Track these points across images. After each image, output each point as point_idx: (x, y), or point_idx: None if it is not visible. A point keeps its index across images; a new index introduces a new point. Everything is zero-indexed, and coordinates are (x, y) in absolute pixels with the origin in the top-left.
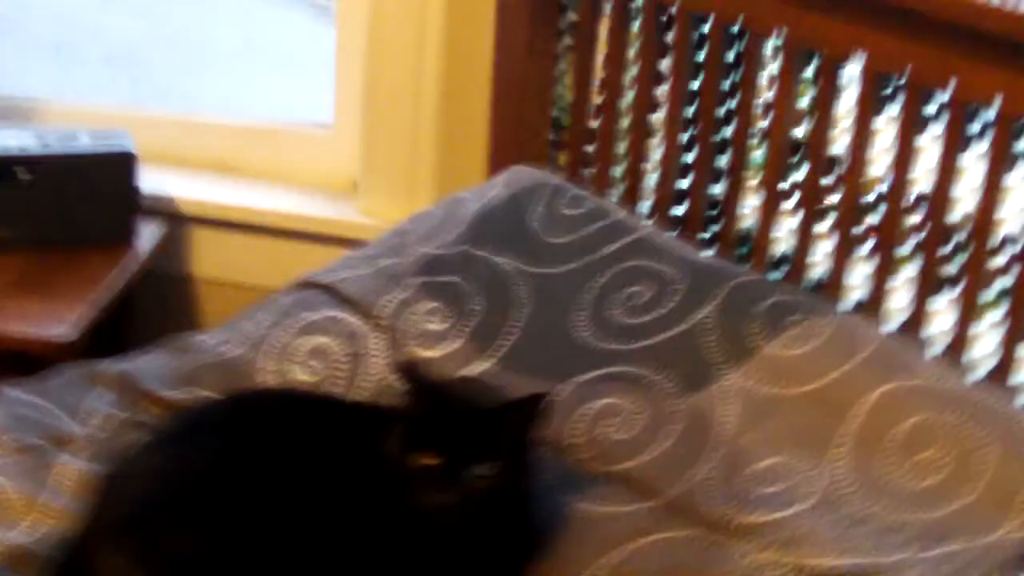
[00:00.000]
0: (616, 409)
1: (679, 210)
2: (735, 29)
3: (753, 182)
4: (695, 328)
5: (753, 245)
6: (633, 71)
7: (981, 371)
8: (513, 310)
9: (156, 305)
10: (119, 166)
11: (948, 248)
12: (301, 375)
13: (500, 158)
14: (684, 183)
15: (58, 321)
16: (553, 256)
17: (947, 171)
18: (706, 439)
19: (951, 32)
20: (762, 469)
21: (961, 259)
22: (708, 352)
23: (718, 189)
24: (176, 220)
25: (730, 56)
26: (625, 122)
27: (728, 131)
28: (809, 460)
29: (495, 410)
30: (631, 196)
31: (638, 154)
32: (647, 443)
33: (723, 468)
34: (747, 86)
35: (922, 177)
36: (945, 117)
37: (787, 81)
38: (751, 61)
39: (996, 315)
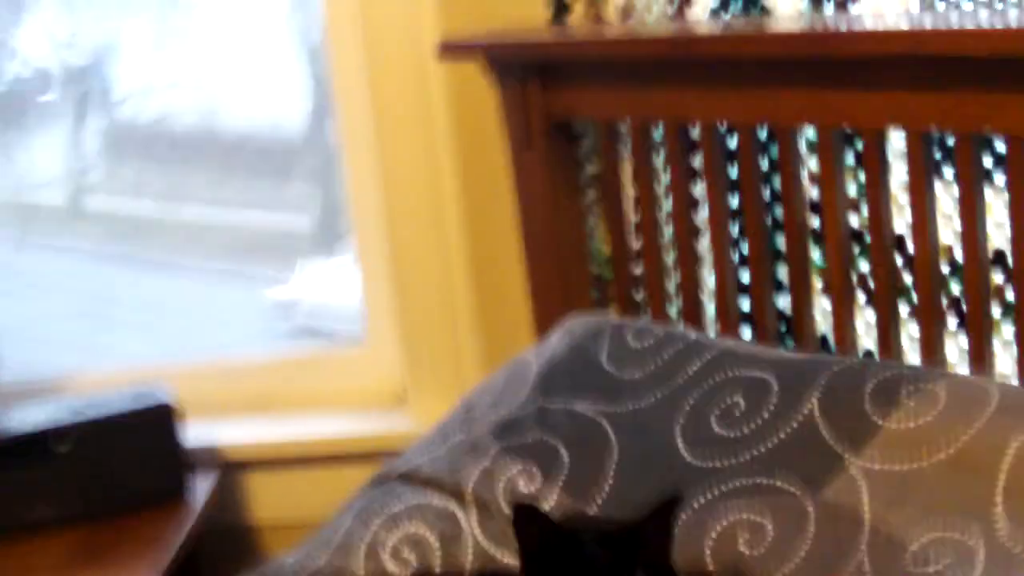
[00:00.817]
0: (742, 526)
1: (746, 333)
2: (763, 135)
3: (818, 284)
4: (802, 425)
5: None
6: (666, 206)
7: None
8: (604, 453)
9: (220, 560)
10: (158, 420)
11: None
12: (394, 568)
13: (545, 325)
14: (746, 303)
15: None
16: (633, 392)
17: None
18: (846, 533)
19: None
20: (918, 550)
21: None
22: (823, 446)
23: (783, 301)
24: (228, 468)
25: (764, 164)
26: (670, 259)
27: (780, 239)
28: (964, 529)
29: (632, 527)
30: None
31: (692, 285)
32: (785, 553)
33: (875, 560)
34: (790, 187)
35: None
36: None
37: (829, 170)
38: (787, 161)
39: None
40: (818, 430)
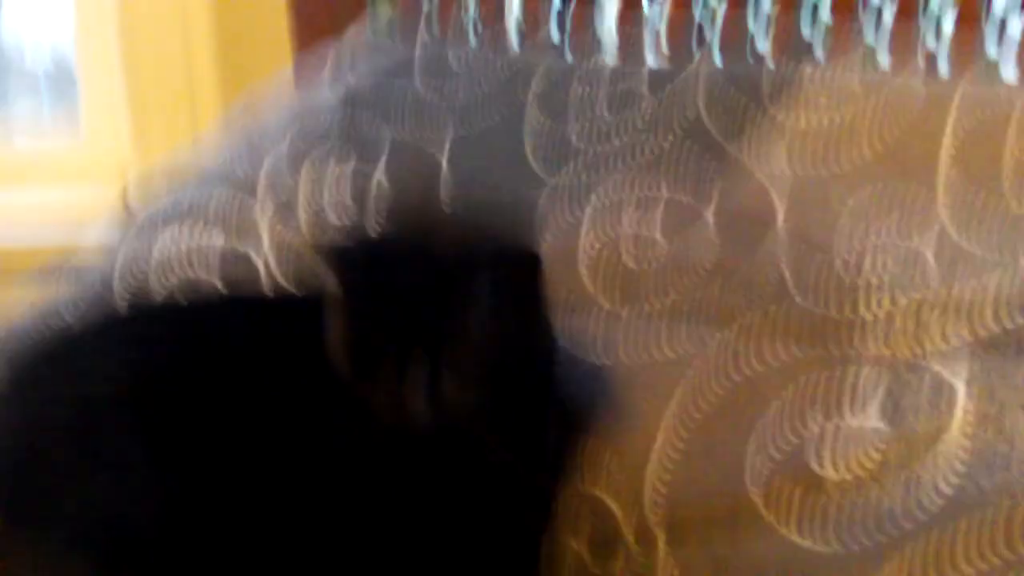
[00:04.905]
0: (626, 239)
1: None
2: None
3: None
4: (690, 129)
5: None
6: None
7: None
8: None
9: None
10: None
11: None
12: None
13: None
14: None
15: None
16: (462, 117)
17: None
18: (756, 240)
19: None
20: (852, 260)
21: None
22: (715, 148)
23: None
24: None
25: None
26: None
27: None
28: (905, 233)
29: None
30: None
31: None
32: (682, 265)
33: (798, 271)
34: None
35: None
36: None
37: None
38: None
39: None
40: (709, 133)
